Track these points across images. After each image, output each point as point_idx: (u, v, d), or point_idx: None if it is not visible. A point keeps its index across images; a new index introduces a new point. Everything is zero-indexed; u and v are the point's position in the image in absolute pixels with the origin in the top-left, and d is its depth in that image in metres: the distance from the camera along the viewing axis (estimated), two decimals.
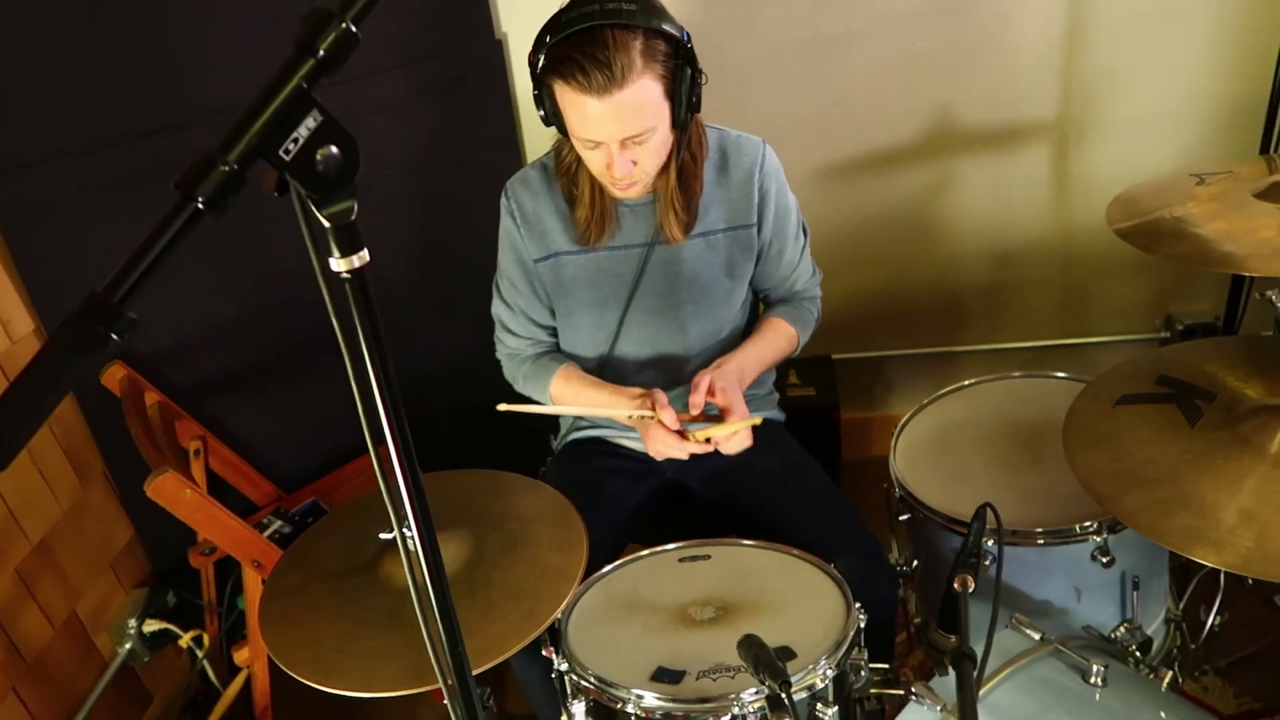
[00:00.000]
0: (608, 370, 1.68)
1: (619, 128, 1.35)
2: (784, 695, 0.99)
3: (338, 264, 0.63)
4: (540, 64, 1.36)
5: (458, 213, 2.16)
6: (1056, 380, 1.79)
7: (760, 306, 1.79)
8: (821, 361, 2.50)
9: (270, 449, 2.21)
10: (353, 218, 0.62)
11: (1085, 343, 2.51)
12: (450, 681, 0.91)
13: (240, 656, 1.88)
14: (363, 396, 0.69)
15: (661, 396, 1.48)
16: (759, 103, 2.29)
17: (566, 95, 1.34)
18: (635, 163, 1.40)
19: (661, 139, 1.41)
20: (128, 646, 2.00)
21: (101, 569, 2.04)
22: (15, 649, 1.76)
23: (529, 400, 1.68)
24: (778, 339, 1.67)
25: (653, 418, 1.47)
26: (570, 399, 1.64)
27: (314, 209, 0.61)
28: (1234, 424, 1.31)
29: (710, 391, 1.47)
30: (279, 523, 1.99)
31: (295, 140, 0.59)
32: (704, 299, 1.61)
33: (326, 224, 0.62)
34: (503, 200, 1.61)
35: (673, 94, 1.37)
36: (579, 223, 1.55)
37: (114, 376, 1.93)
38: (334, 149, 0.60)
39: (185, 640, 2.00)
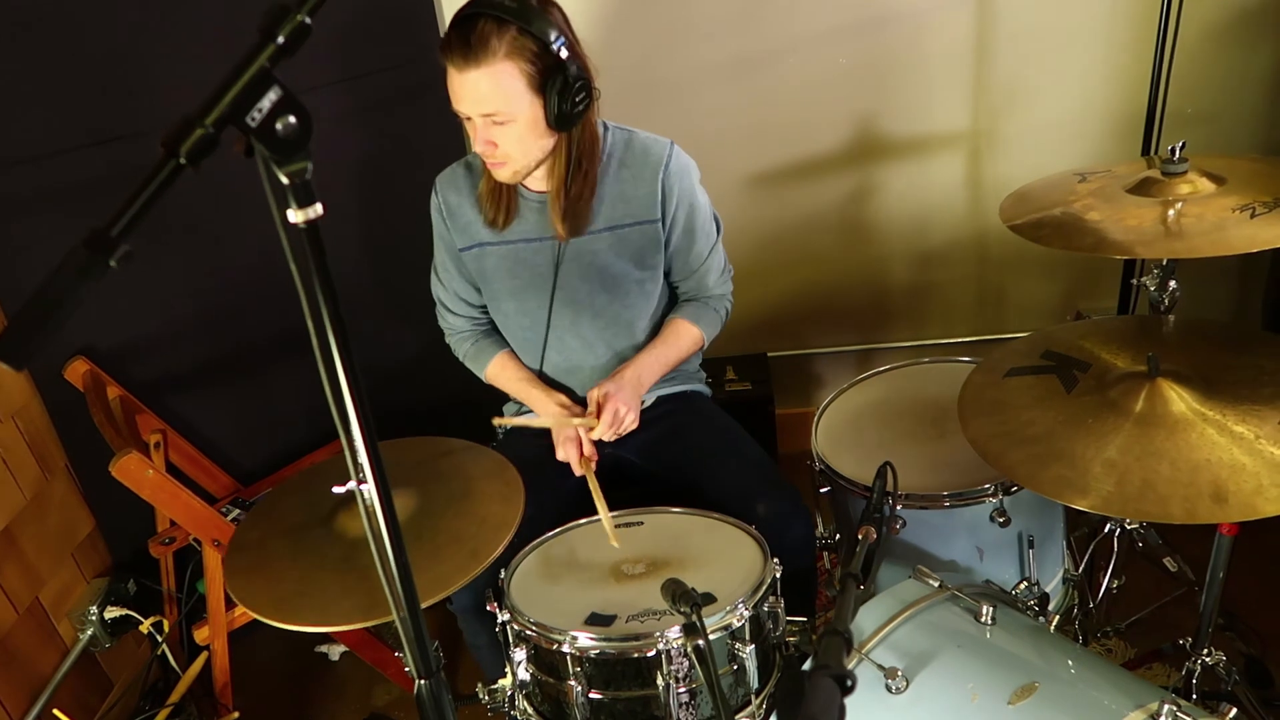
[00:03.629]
0: (544, 359, 1.83)
1: (473, 104, 1.53)
2: (695, 617, 1.12)
3: (295, 216, 0.75)
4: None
5: (407, 219, 2.28)
6: (961, 364, 1.96)
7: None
8: (757, 359, 2.65)
9: (227, 444, 2.29)
10: (308, 176, 0.75)
11: (1002, 338, 2.68)
12: (403, 612, 1.02)
13: (201, 635, 1.96)
14: (318, 335, 0.81)
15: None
16: (693, 116, 2.45)
17: (447, 69, 1.53)
18: (495, 144, 1.56)
19: (524, 130, 1.56)
20: (89, 633, 2.06)
21: (63, 558, 2.11)
22: None
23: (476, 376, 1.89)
24: (680, 340, 1.84)
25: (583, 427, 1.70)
26: (503, 385, 1.84)
27: (275, 168, 0.74)
28: (1104, 390, 1.46)
29: (600, 406, 1.69)
30: (237, 511, 2.08)
31: (260, 110, 0.71)
32: (617, 289, 1.77)
33: (285, 181, 0.74)
34: (432, 196, 1.79)
35: (543, 89, 1.53)
36: (480, 200, 1.72)
37: (76, 371, 2.01)
38: (292, 118, 0.73)
39: (146, 626, 2.07)
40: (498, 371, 1.84)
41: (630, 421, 1.72)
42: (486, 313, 1.87)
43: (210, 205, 1.99)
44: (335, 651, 2.33)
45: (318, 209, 0.76)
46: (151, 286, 2.05)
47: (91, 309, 2.01)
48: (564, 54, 1.52)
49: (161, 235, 2.00)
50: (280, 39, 0.72)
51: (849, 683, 0.74)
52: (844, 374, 2.79)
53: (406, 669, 1.04)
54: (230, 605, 1.96)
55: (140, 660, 2.25)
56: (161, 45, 1.98)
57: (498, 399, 1.97)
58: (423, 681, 0.98)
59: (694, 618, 1.12)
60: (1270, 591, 2.11)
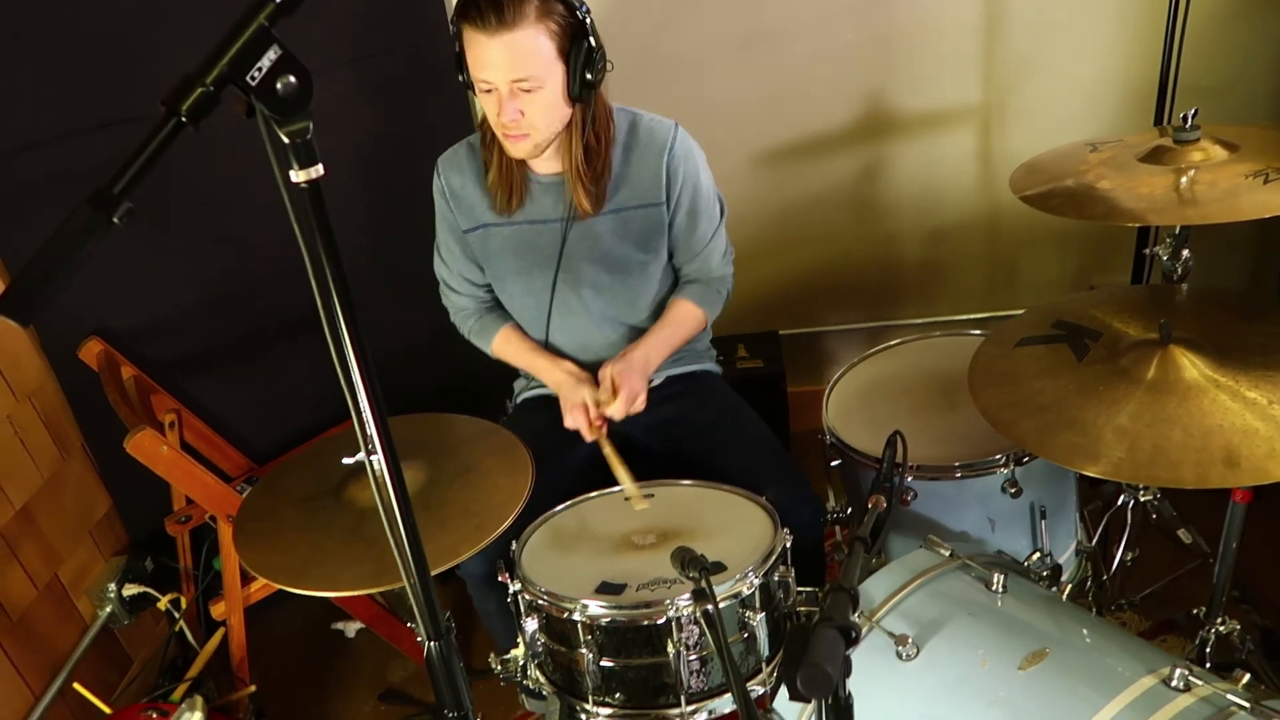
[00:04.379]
0: (550, 336, 1.84)
1: (505, 70, 1.49)
2: (704, 582, 1.12)
3: (297, 175, 0.76)
4: (454, 14, 1.51)
5: (414, 201, 2.28)
6: (971, 337, 1.95)
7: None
8: (769, 336, 2.65)
9: (242, 424, 2.31)
10: (309, 136, 0.75)
11: (1015, 314, 2.66)
12: (412, 578, 1.02)
13: (218, 610, 1.98)
14: (321, 295, 0.81)
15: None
16: (701, 93, 2.44)
17: (468, 37, 1.50)
18: (523, 113, 1.54)
19: (551, 98, 1.55)
20: (108, 610, 2.09)
21: (81, 537, 2.13)
22: (1, 606, 1.86)
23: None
24: (685, 322, 1.83)
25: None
26: (509, 358, 1.84)
27: (276, 128, 0.74)
28: (1116, 358, 1.45)
29: (613, 384, 1.69)
30: (251, 490, 2.09)
31: (260, 69, 0.72)
32: (621, 271, 1.77)
33: (286, 141, 0.75)
34: (434, 178, 1.77)
35: (567, 57, 1.52)
36: (490, 187, 1.70)
37: (91, 351, 2.03)
38: (292, 78, 0.73)
39: (163, 603, 2.09)
40: (503, 345, 1.84)
41: (640, 403, 1.73)
42: (490, 291, 1.87)
43: (223, 187, 1.99)
44: (351, 628, 2.35)
45: (319, 169, 0.77)
46: (165, 268, 2.07)
47: (106, 290, 2.04)
48: (587, 21, 1.52)
49: (175, 217, 2.01)
50: None
51: (853, 634, 0.75)
52: (855, 351, 2.75)
53: (419, 638, 1.05)
54: (246, 581, 1.98)
55: (158, 637, 2.28)
56: (167, 31, 1.97)
57: (503, 380, 1.98)
58: (432, 644, 0.99)
59: (703, 582, 1.12)
60: None
